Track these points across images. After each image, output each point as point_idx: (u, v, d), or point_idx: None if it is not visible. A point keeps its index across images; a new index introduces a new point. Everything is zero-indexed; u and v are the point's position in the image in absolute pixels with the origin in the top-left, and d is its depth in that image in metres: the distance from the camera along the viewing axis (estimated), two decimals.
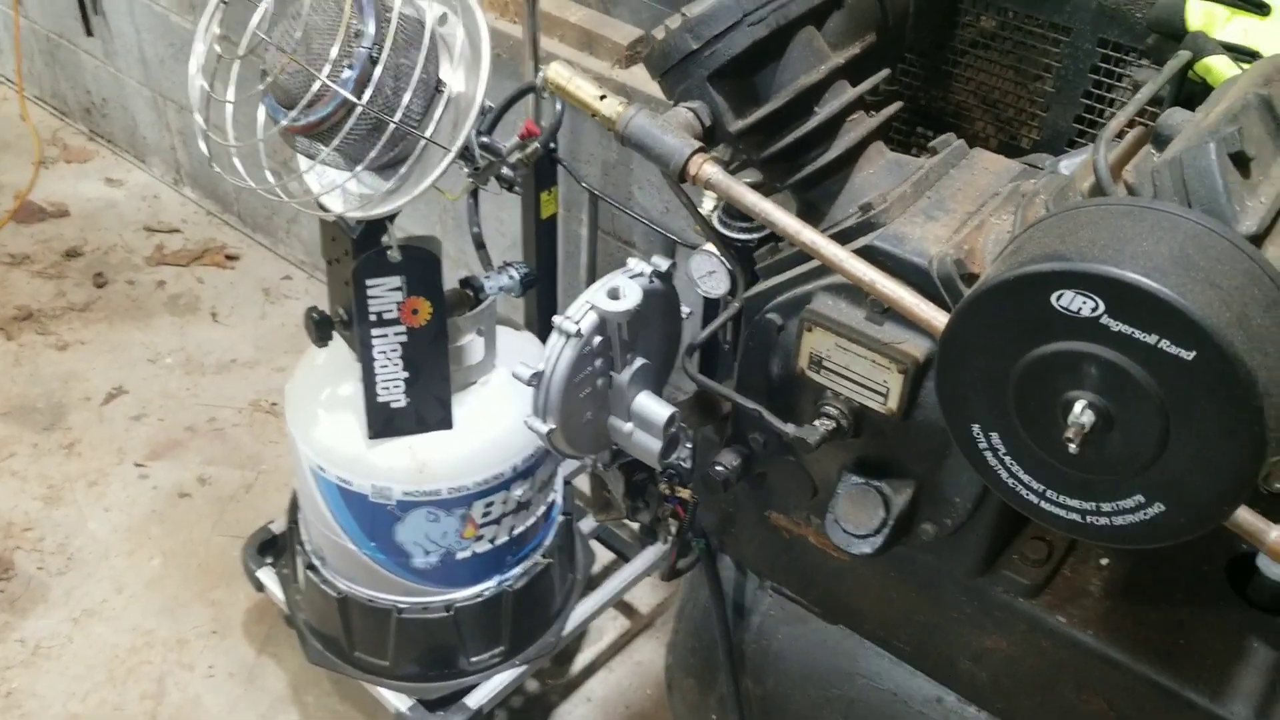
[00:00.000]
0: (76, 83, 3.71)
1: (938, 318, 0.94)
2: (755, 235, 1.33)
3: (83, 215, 3.49)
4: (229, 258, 3.33)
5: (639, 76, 2.04)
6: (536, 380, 1.06)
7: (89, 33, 3.39)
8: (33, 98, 3.94)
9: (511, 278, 1.72)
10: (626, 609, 2.33)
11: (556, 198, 2.03)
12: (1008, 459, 0.84)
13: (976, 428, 0.84)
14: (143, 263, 3.31)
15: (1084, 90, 1.27)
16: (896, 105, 1.16)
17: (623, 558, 2.24)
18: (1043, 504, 0.84)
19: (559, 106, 1.59)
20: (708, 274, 1.42)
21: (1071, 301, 0.74)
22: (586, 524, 2.18)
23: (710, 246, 1.31)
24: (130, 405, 2.83)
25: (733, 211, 1.29)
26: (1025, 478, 0.84)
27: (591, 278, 2.19)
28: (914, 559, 1.18)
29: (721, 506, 1.32)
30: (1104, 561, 1.17)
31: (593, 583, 2.12)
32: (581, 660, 2.24)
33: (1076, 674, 1.14)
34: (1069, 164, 1.25)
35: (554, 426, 1.08)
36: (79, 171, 3.68)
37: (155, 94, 3.39)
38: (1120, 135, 0.98)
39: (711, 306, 1.34)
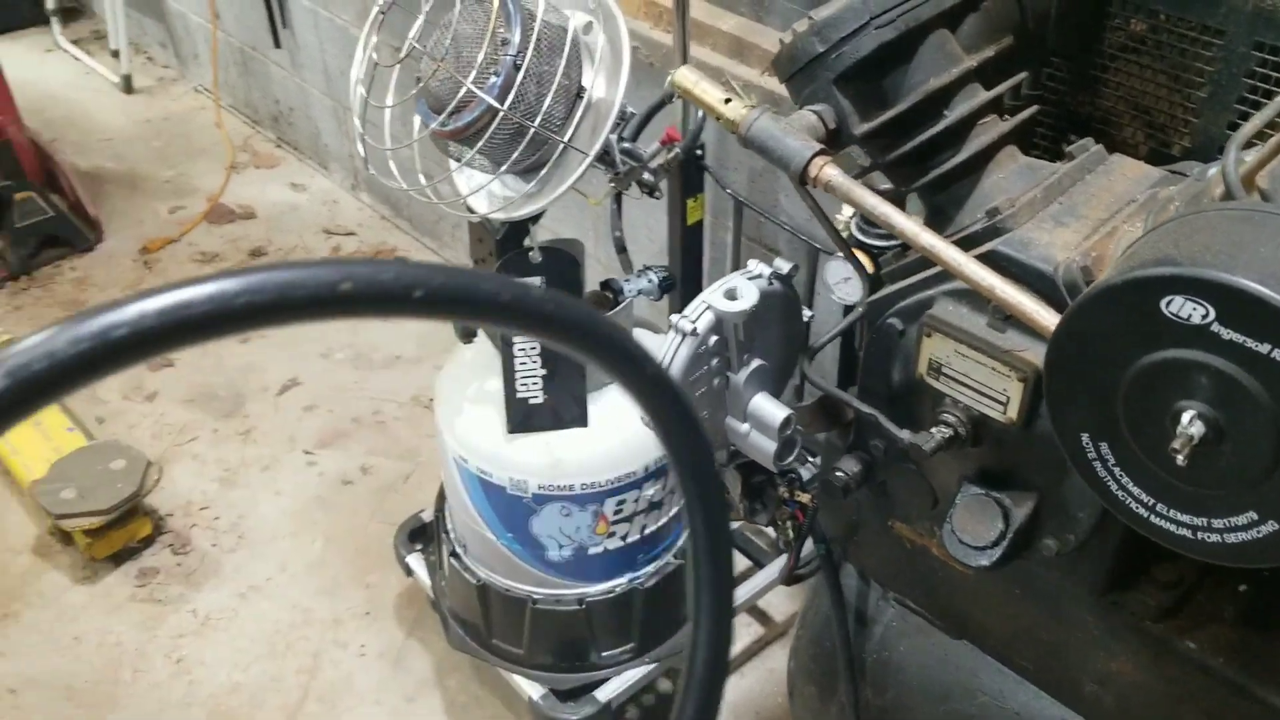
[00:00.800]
0: (266, 92, 3.95)
1: (1037, 310, 0.92)
2: (893, 242, 1.32)
3: (268, 217, 3.70)
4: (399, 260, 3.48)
5: None
6: None
7: (277, 45, 3.61)
8: (227, 106, 4.20)
9: (650, 281, 1.75)
10: (761, 616, 2.33)
11: (703, 204, 2.05)
12: (1117, 470, 0.82)
13: (1085, 437, 0.83)
14: None
15: (1238, 96, 1.22)
16: (1032, 109, 1.13)
17: (757, 564, 2.24)
18: (1152, 518, 0.82)
19: (700, 114, 1.61)
20: (843, 280, 1.41)
21: (1181, 308, 0.72)
22: None
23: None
24: (303, 396, 3.00)
25: (869, 218, 1.29)
26: (1135, 490, 0.81)
27: None
28: (1038, 575, 1.15)
29: (845, 514, 1.32)
30: (1242, 588, 1.12)
31: None
32: None
33: (1205, 702, 1.09)
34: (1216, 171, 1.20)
35: None
36: (266, 176, 3.91)
37: (336, 103, 3.57)
38: (1261, 140, 0.93)
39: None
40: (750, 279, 1.10)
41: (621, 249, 1.81)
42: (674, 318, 1.07)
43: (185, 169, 3.94)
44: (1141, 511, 0.82)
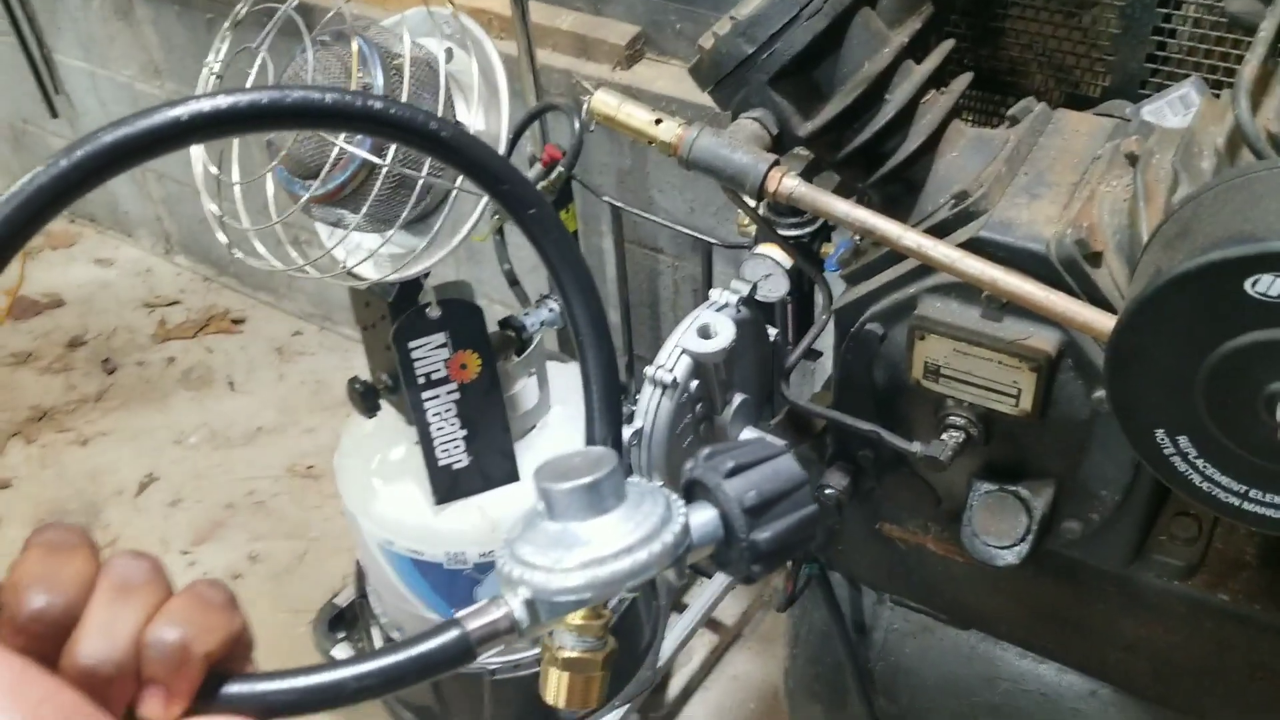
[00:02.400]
0: None
1: (1074, 308, 0.85)
2: (808, 230, 1.25)
3: (78, 301, 3.39)
4: (235, 322, 3.24)
5: (642, 75, 1.95)
6: (636, 439, 0.97)
7: (54, 114, 3.29)
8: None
9: (551, 310, 1.63)
10: (711, 623, 2.25)
11: (575, 214, 1.93)
12: (1200, 462, 0.76)
13: (1161, 433, 0.76)
14: (148, 341, 3.22)
15: (1153, 26, 1.18)
16: (967, 76, 1.07)
17: (703, 575, 2.17)
18: (1245, 505, 0.76)
19: (577, 126, 1.50)
20: (764, 278, 1.33)
21: (1270, 286, 0.66)
22: None
23: (765, 249, 1.23)
24: (165, 491, 2.75)
25: (779, 208, 1.21)
26: (1223, 480, 0.76)
27: (622, 289, 2.10)
28: (1054, 554, 1.10)
29: (826, 524, 1.24)
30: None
31: (676, 604, 2.04)
32: (676, 684, 2.16)
33: (1247, 652, 1.06)
34: (1153, 109, 1.16)
35: (661, 484, 0.99)
36: (66, 257, 3.58)
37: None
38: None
39: (765, 310, 1.26)
40: (719, 310, 1.00)
41: (514, 282, 1.68)
42: (649, 370, 0.97)
43: None
44: (1232, 500, 0.76)
